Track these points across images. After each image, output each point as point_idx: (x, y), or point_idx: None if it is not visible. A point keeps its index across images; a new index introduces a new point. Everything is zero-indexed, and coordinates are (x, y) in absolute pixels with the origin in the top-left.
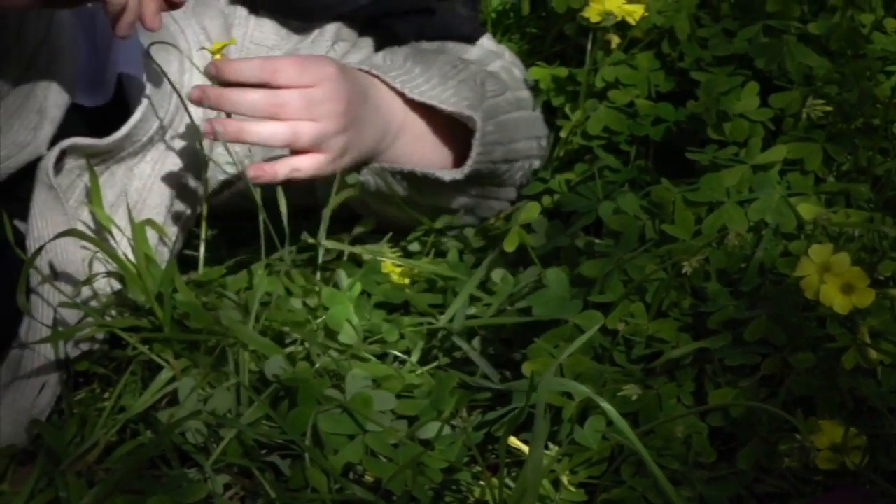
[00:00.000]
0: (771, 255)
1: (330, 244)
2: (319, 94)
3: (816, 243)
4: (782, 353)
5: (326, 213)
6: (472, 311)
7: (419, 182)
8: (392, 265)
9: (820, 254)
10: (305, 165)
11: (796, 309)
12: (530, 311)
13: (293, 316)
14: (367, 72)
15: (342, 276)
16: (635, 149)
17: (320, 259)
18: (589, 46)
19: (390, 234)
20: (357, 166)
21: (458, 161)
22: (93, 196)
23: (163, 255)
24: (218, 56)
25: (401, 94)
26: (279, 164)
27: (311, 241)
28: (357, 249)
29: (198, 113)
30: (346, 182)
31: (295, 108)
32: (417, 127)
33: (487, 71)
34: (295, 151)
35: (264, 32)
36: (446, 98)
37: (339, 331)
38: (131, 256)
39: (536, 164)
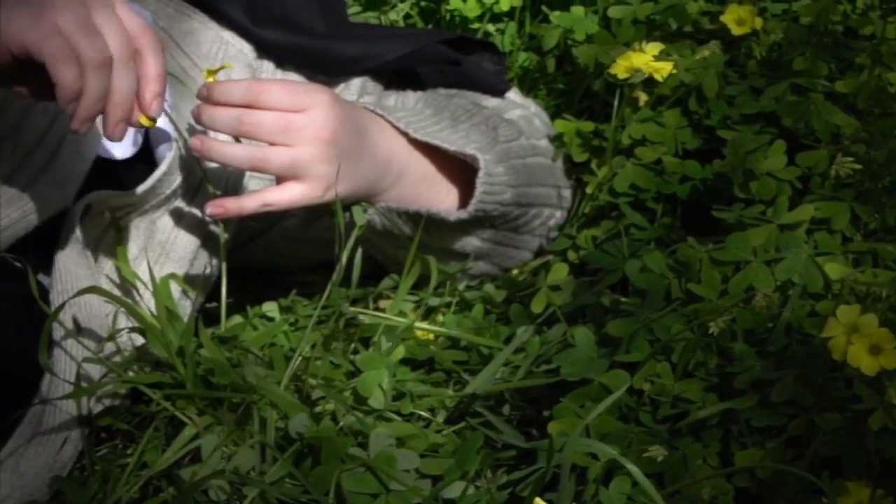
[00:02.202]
0: (798, 315)
1: (356, 310)
2: (302, 120)
3: (844, 304)
4: (809, 413)
5: (355, 275)
6: (500, 370)
7: (425, 222)
8: (421, 331)
9: (847, 314)
10: (280, 198)
11: (823, 369)
12: (557, 369)
13: (323, 371)
14: (371, 110)
15: (383, 342)
16: (662, 206)
17: (341, 325)
18: (616, 103)
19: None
20: (353, 203)
21: (467, 203)
22: (118, 251)
23: (185, 309)
24: (211, 79)
25: (405, 134)
26: (246, 199)
27: (346, 310)
28: (384, 318)
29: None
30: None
31: (269, 129)
32: (423, 168)
33: (503, 117)
34: (280, 180)
35: None
36: (454, 140)
37: (369, 395)
38: (155, 310)
39: (558, 215)
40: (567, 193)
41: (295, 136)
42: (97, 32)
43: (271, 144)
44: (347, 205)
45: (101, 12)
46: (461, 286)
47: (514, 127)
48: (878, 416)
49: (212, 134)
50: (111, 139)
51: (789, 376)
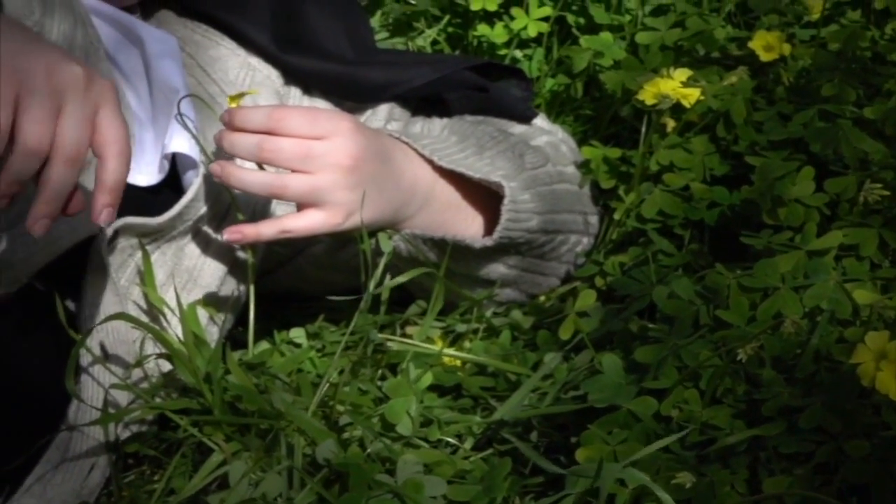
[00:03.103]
0: (826, 341)
1: (383, 336)
2: (322, 147)
3: (872, 330)
4: (837, 440)
5: (384, 301)
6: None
7: (450, 249)
8: (449, 358)
9: (876, 341)
10: (298, 225)
11: (852, 396)
12: (585, 396)
13: (350, 397)
14: (397, 138)
15: (411, 369)
16: (689, 232)
17: (369, 351)
18: (643, 129)
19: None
20: (377, 230)
21: (492, 230)
22: (146, 277)
23: (213, 335)
24: (235, 104)
25: (430, 162)
26: (264, 225)
27: (374, 336)
28: (412, 345)
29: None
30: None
31: (288, 156)
32: (448, 195)
33: (529, 144)
34: (300, 207)
35: None
36: (480, 167)
37: (397, 422)
38: (182, 336)
39: (585, 241)
40: (594, 220)
41: (315, 163)
42: (49, 121)
43: (292, 171)
44: (372, 232)
45: (74, 106)
46: (488, 313)
47: (541, 153)
48: None
49: (236, 160)
50: (30, 231)
51: (817, 403)
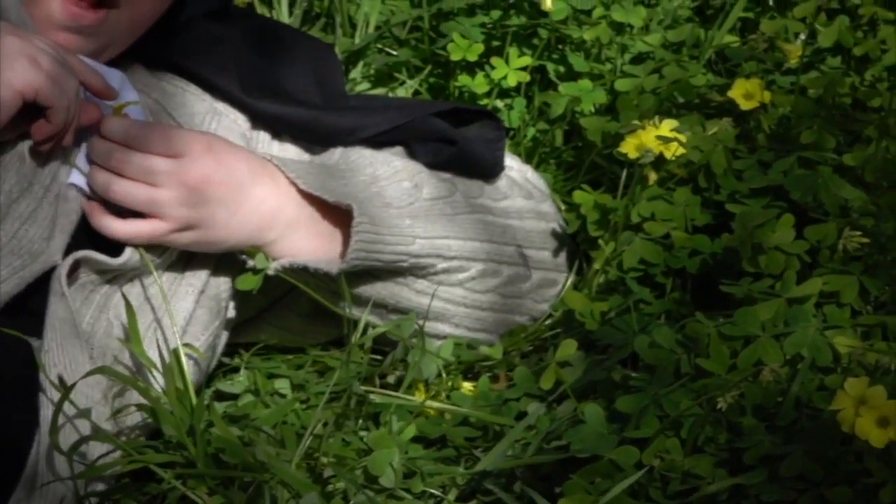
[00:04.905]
0: (807, 389)
1: (365, 388)
2: (168, 165)
3: (852, 377)
4: (819, 488)
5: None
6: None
7: (311, 275)
8: (432, 409)
9: (856, 387)
10: (143, 230)
11: (833, 443)
12: (567, 446)
13: (335, 449)
14: (269, 160)
15: (394, 421)
16: (671, 280)
17: (353, 403)
18: (623, 175)
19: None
20: (235, 251)
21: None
22: (131, 333)
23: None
24: (118, 114)
25: (294, 185)
26: (117, 221)
27: (357, 389)
28: (395, 397)
29: None
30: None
31: (133, 168)
32: (317, 222)
33: (440, 175)
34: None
35: (287, 155)
36: (354, 194)
37: (380, 474)
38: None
39: (535, 277)
40: (542, 255)
41: (159, 178)
42: (67, 66)
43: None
44: (237, 252)
45: (46, 49)
46: (449, 355)
47: (447, 185)
48: (888, 490)
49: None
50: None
51: (799, 451)
